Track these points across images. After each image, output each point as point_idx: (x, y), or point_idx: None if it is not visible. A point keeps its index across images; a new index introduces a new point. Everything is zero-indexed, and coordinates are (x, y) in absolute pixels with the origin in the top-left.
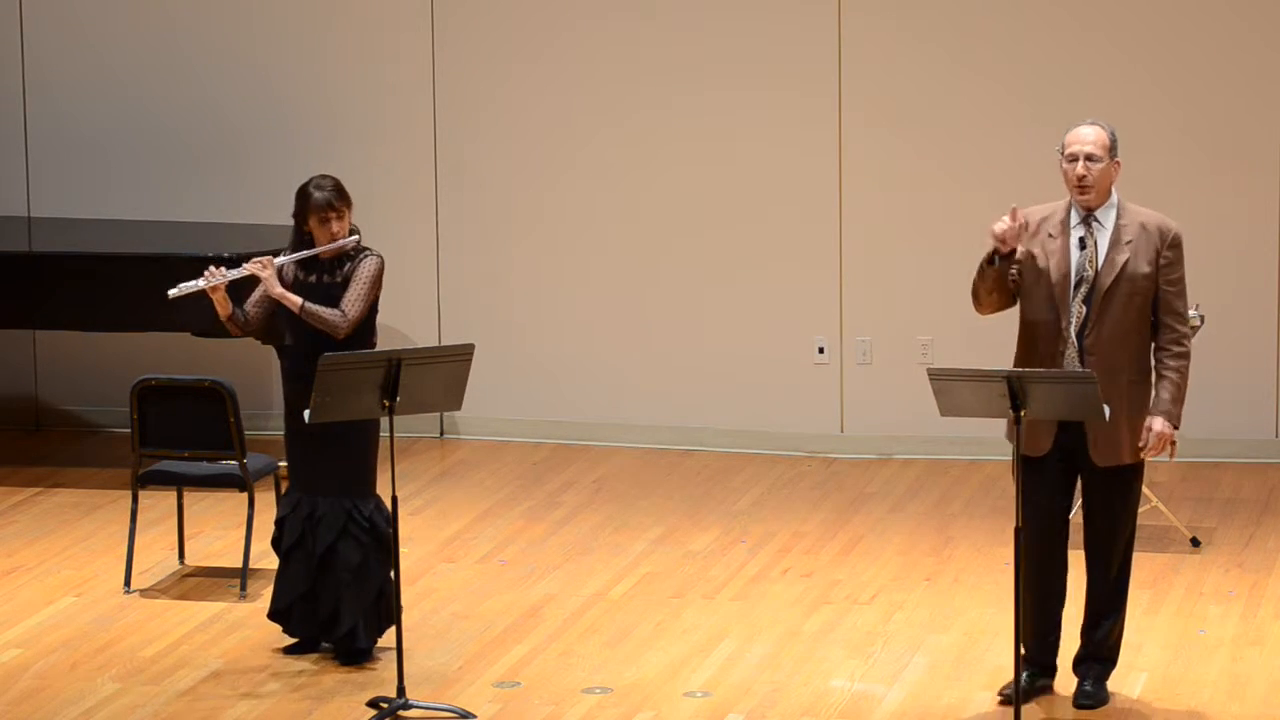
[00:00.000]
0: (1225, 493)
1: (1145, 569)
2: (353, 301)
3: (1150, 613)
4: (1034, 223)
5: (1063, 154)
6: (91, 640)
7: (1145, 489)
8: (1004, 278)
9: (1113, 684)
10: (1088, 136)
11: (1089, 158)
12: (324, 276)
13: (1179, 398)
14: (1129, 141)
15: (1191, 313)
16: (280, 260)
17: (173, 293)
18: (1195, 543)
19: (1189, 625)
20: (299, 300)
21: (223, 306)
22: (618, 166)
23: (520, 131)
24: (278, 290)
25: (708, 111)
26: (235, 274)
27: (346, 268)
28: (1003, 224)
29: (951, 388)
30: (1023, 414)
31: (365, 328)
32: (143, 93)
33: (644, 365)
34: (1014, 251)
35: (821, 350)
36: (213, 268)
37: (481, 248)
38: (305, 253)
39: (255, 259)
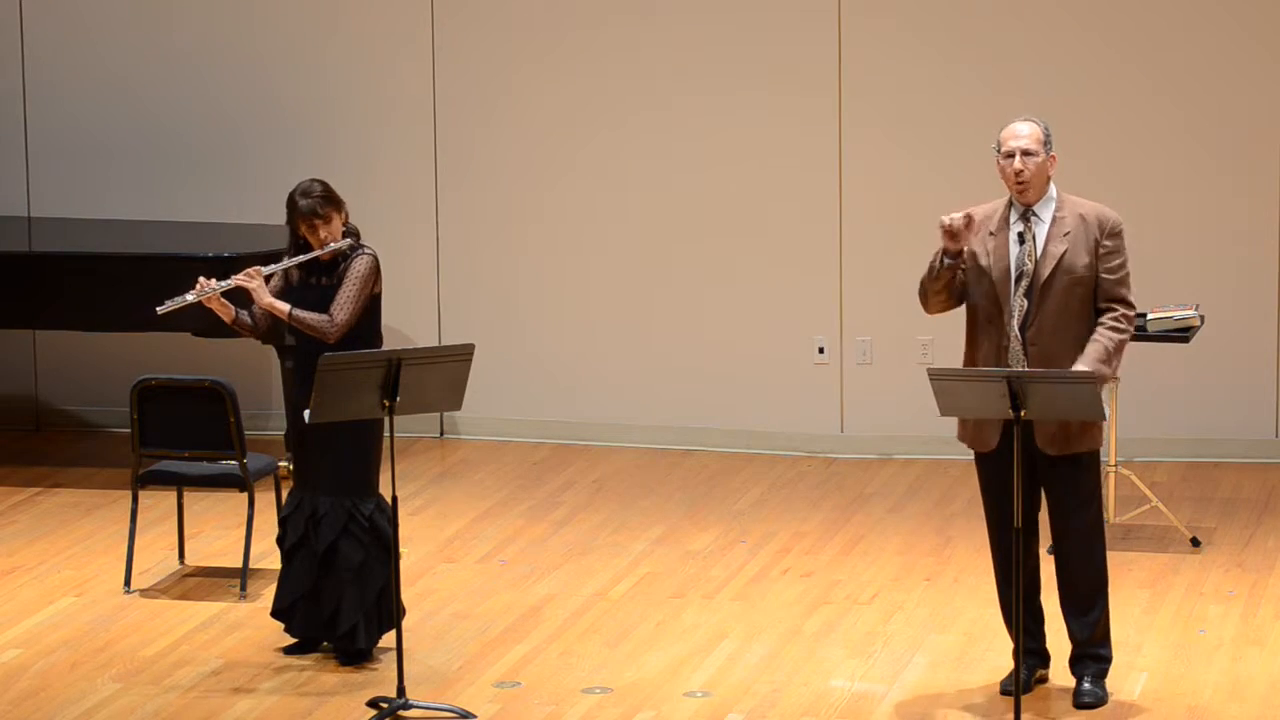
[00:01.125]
0: (1225, 493)
1: (1145, 569)
2: (341, 305)
3: (1150, 612)
4: (977, 222)
5: (999, 151)
6: (92, 640)
7: (1146, 489)
8: (953, 278)
9: (1113, 684)
10: (1023, 132)
11: (1026, 153)
12: (323, 279)
13: (1104, 358)
14: (1129, 140)
15: (1190, 312)
16: (269, 269)
17: (161, 309)
18: (1195, 543)
19: (1189, 625)
20: (286, 308)
21: (224, 313)
22: (618, 166)
23: (520, 132)
24: (266, 300)
25: (708, 112)
26: (224, 285)
27: (341, 268)
28: (952, 216)
29: (952, 388)
30: (1023, 414)
31: (369, 326)
32: (143, 93)
33: (644, 365)
34: (961, 251)
35: (822, 350)
36: (202, 280)
37: (482, 248)
38: (293, 260)
39: (244, 270)
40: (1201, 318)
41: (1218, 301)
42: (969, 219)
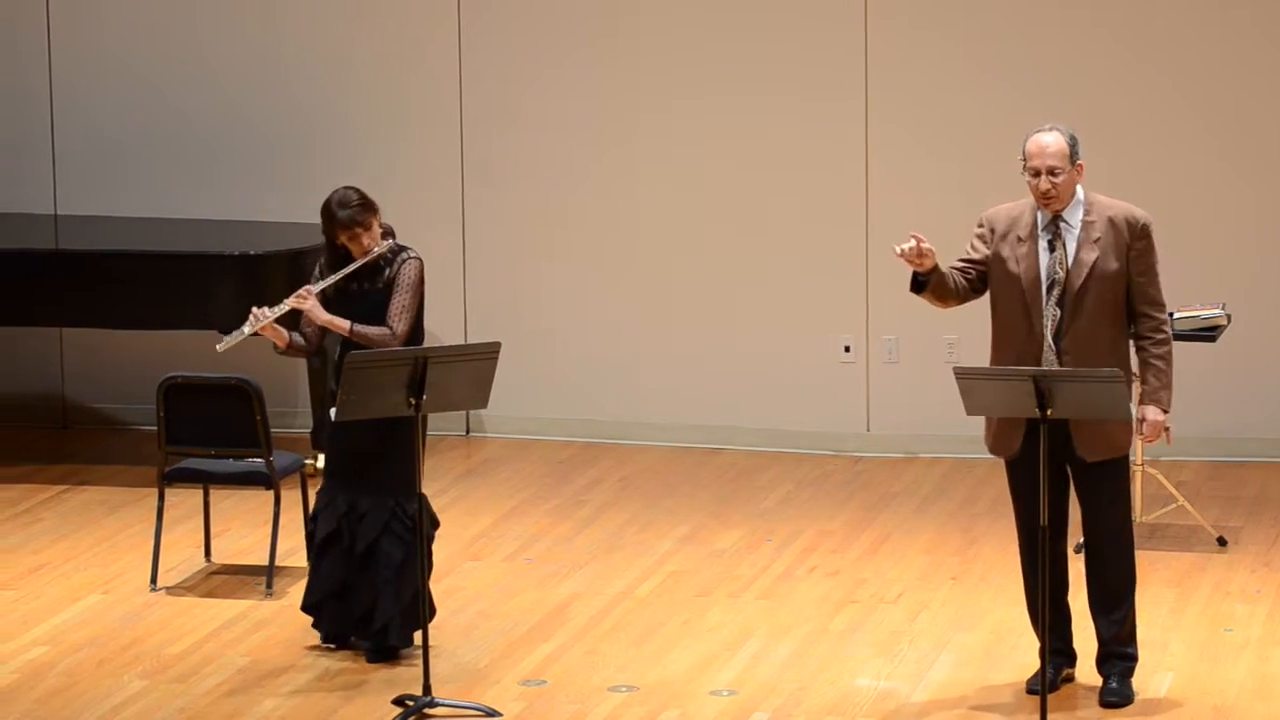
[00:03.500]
0: (1252, 491)
1: (1171, 568)
2: (397, 315)
3: (1176, 612)
4: (1002, 225)
5: (1024, 164)
6: (118, 638)
7: (1172, 488)
8: (943, 287)
9: (1139, 683)
10: (1048, 149)
11: (1051, 172)
12: (365, 284)
13: (1168, 384)
14: (1153, 143)
15: (1217, 311)
16: (318, 286)
17: (220, 346)
18: (1222, 542)
19: (1215, 624)
20: (347, 324)
21: (278, 339)
22: (645, 166)
23: (547, 132)
24: (324, 318)
25: (735, 112)
26: (278, 312)
27: (387, 273)
28: (905, 246)
29: (978, 386)
30: (1049, 413)
31: (414, 329)
32: (168, 92)
33: (670, 364)
34: (935, 268)
35: (848, 349)
36: (255, 310)
37: (508, 247)
38: (340, 273)
39: (295, 294)
40: (1228, 317)
41: (1244, 301)
42: (918, 242)
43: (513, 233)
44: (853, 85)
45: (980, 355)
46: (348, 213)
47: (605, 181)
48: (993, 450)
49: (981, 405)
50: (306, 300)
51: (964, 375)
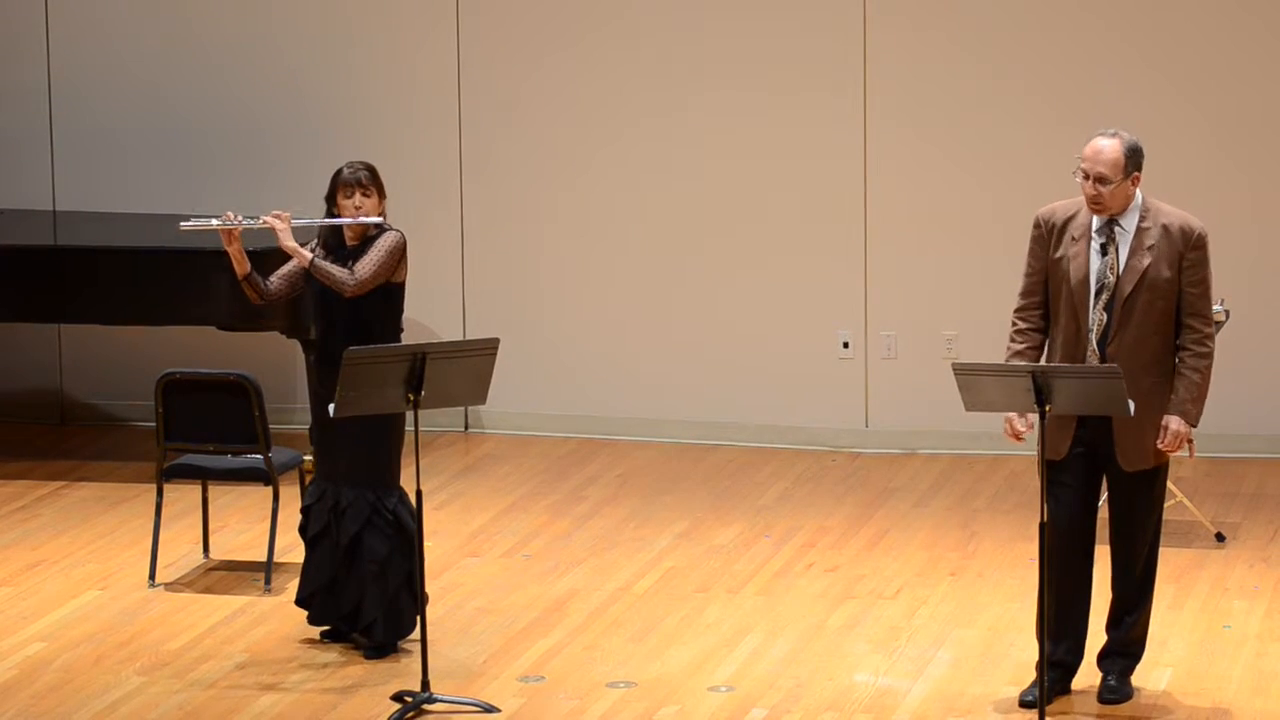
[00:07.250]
0: (1250, 488)
1: (1170, 564)
2: (365, 265)
3: (1175, 608)
4: (1059, 219)
5: (1079, 163)
6: (116, 633)
7: (1170, 484)
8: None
9: (1138, 679)
10: (1102, 155)
11: (1099, 179)
12: (349, 261)
13: (1197, 397)
14: (1152, 139)
15: (1217, 308)
16: (301, 221)
17: (185, 225)
18: (1220, 538)
19: (1214, 620)
20: (309, 255)
21: (240, 264)
22: (643, 162)
23: (545, 127)
24: (290, 243)
25: (734, 108)
26: (251, 223)
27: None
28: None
29: (977, 383)
30: (1047, 409)
31: (390, 316)
32: (166, 89)
33: (668, 360)
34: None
35: (846, 345)
36: (230, 213)
37: (506, 243)
38: (326, 220)
39: (274, 212)
40: (1226, 313)
41: (1241, 296)
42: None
43: (511, 229)
44: (851, 80)
45: (978, 351)
46: (353, 172)
47: (603, 177)
48: (1041, 452)
49: (980, 401)
50: (281, 221)
51: (963, 371)
